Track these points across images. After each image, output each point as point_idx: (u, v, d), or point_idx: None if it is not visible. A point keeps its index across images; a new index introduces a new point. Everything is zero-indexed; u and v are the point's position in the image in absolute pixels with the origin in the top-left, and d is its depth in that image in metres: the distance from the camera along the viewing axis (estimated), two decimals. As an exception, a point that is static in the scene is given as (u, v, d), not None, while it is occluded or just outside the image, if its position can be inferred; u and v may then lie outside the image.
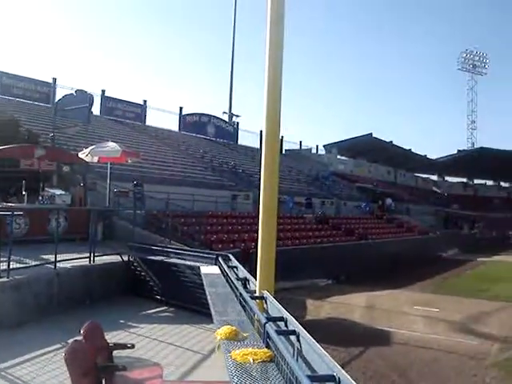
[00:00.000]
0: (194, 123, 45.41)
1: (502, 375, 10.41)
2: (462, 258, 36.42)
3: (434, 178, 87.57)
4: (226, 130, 49.81)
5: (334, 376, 2.85)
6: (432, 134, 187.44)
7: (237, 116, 53.16)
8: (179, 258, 11.37)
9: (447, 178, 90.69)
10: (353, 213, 36.53)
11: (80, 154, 17.47)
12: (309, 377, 2.84)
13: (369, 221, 35.55)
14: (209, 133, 46.66)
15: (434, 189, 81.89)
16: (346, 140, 58.42)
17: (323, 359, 3.17)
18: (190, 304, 10.25)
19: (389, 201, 43.95)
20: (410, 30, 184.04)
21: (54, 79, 34.87)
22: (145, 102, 41.54)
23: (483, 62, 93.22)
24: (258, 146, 47.95)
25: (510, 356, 11.67)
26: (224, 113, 52.32)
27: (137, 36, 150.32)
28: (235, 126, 51.61)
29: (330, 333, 13.27)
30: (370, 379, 9.87)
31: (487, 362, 11.22)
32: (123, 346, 5.06)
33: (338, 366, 2.89)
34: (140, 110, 41.31)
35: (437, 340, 12.89)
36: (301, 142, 59.25)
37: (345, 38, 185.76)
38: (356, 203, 39.85)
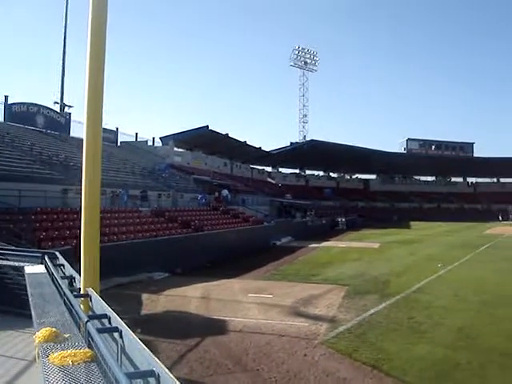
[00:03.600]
0: (21, 113, 42.27)
1: (330, 352, 11.02)
2: (294, 245, 38.03)
3: (269, 169, 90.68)
4: (57, 121, 46.89)
5: (153, 371, 2.81)
6: (268, 127, 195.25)
7: (69, 106, 50.75)
8: (1, 259, 10.59)
9: (281, 169, 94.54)
10: (189, 205, 36.64)
11: None
12: (127, 374, 2.77)
13: (205, 212, 35.84)
14: (38, 124, 43.56)
15: (269, 180, 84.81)
16: (182, 132, 58.52)
17: (144, 355, 3.12)
18: (15, 307, 9.57)
19: (225, 192, 44.75)
20: (248, 28, 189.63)
21: None
22: (-37, 89, 37.95)
23: (314, 60, 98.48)
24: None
25: (337, 334, 12.41)
26: (55, 103, 49.72)
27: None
28: (67, 117, 48.82)
29: (167, 326, 13.27)
30: (206, 369, 9.94)
31: (316, 341, 11.82)
32: None
33: (158, 361, 2.85)
34: (-43, 97, 37.59)
35: (270, 325, 13.31)
36: (137, 133, 58.23)
37: (184, 34, 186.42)
38: (193, 195, 40.03)
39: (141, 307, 15.58)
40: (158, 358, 8.87)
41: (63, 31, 51.33)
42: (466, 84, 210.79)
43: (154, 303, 16.17)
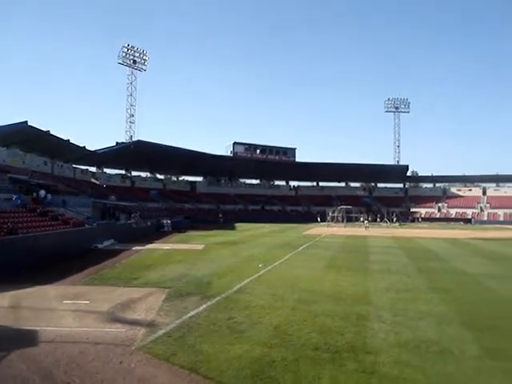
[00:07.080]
0: None
1: (147, 358, 10.77)
2: (117, 248, 37.00)
3: (94, 169, 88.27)
4: None
5: None
6: (94, 126, 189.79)
7: None
8: None
9: (106, 170, 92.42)
10: (3, 206, 34.01)
11: None
12: None
13: (21, 214, 33.34)
14: None
15: (93, 180, 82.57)
16: (-5, 128, 54.22)
17: None
18: None
19: (43, 193, 42.26)
20: (74, 22, 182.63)
21: None
22: None
23: (143, 59, 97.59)
24: None
25: (155, 339, 12.18)
26: None
27: None
28: None
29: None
30: (14, 386, 9.16)
31: (133, 347, 11.49)
32: None
33: None
34: None
35: (86, 332, 12.71)
36: None
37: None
38: (7, 195, 37.20)
39: None
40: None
41: None
42: (287, 89, 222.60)
43: (-48, 318, 14.66)
